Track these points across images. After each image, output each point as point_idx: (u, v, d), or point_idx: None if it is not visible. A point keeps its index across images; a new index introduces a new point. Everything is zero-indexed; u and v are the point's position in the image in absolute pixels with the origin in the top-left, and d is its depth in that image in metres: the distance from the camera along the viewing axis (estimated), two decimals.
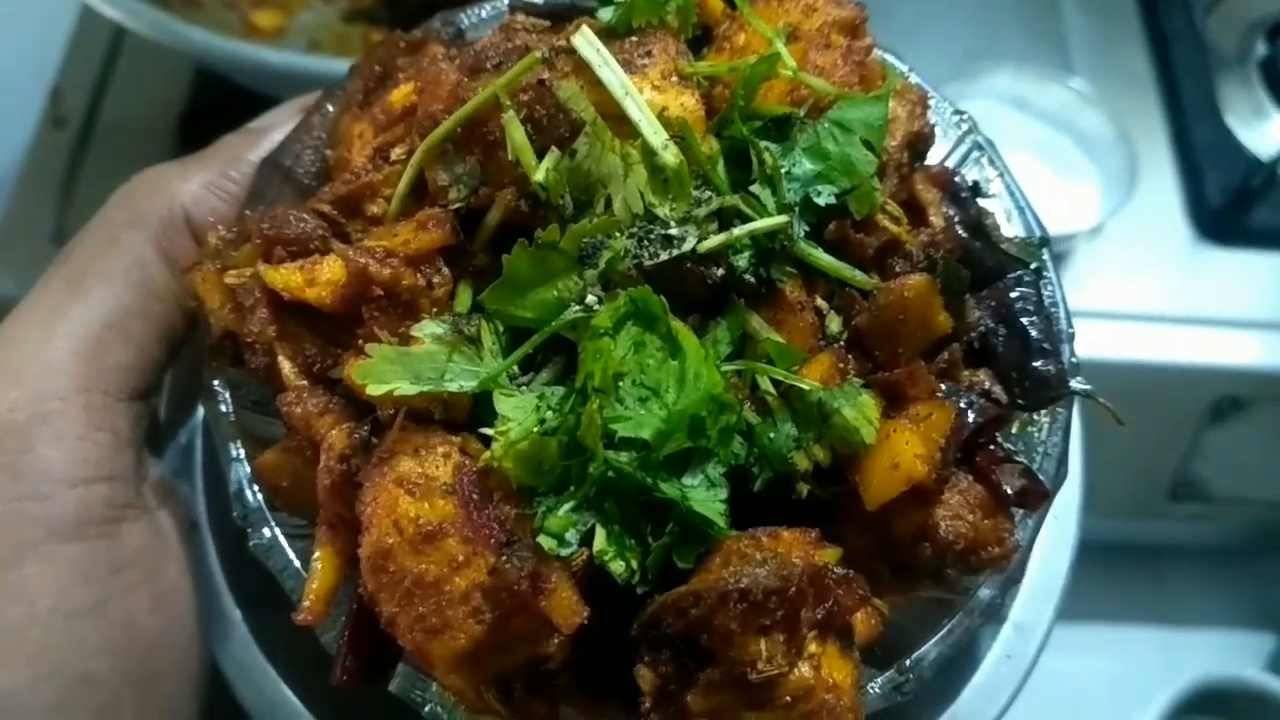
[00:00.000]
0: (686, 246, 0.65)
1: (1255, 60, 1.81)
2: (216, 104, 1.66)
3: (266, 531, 0.71)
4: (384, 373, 0.61)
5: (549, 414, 0.62)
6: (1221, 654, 1.91)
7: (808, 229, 0.69)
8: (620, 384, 0.61)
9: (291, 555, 0.71)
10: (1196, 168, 1.72)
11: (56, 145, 1.62)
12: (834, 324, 0.70)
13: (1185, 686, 1.73)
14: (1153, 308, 1.61)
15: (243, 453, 0.73)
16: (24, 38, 1.80)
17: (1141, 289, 1.62)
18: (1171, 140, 1.77)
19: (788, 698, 0.60)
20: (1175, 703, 1.72)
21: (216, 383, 0.74)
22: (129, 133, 1.63)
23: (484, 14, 0.88)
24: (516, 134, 0.66)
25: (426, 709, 0.68)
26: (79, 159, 1.61)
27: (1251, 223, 1.67)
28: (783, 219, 0.67)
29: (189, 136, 1.64)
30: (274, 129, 0.84)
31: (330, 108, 0.82)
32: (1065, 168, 1.70)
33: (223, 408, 0.74)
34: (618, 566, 0.60)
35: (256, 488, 0.72)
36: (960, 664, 0.83)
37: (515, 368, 0.65)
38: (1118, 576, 1.89)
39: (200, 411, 0.89)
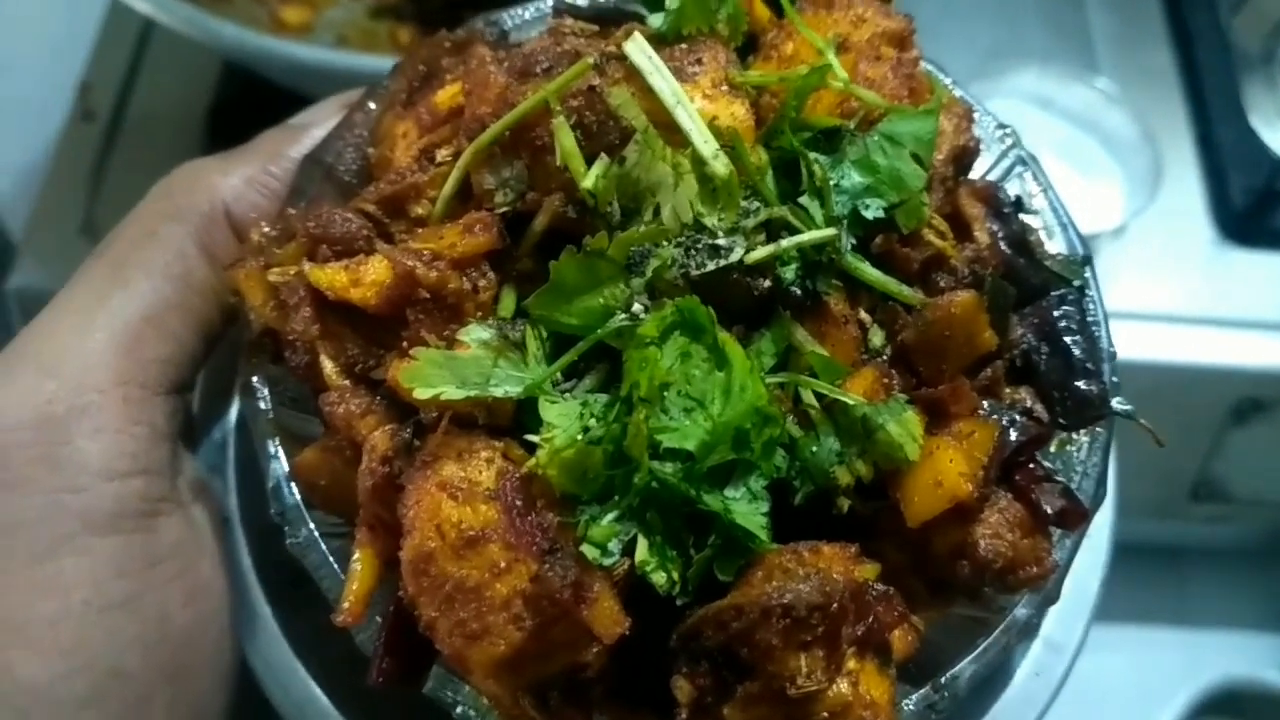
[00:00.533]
0: (734, 257, 0.65)
1: None
2: (244, 98, 1.67)
3: (304, 529, 0.71)
4: (430, 376, 0.61)
5: (593, 422, 0.62)
6: (1241, 655, 1.88)
7: (854, 242, 0.69)
8: (665, 394, 0.61)
9: (328, 554, 0.71)
10: (1221, 168, 1.71)
11: (86, 138, 1.62)
12: (877, 338, 0.70)
13: (1205, 687, 1.72)
14: (1175, 308, 1.60)
15: (281, 450, 0.73)
16: (53, 32, 1.80)
17: (1164, 289, 1.61)
18: (1196, 141, 1.76)
19: (825, 713, 0.60)
20: (1194, 704, 1.71)
21: (255, 379, 0.74)
22: (157, 126, 1.64)
23: (527, 15, 0.88)
24: (566, 139, 0.66)
25: (458, 710, 0.68)
26: (108, 152, 1.61)
27: (1275, 224, 1.66)
28: (831, 232, 0.67)
29: (217, 130, 1.64)
30: (315, 125, 0.84)
31: (373, 106, 0.82)
32: (1089, 167, 1.69)
33: (261, 404, 0.73)
34: (659, 577, 0.60)
35: (294, 485, 0.72)
36: (991, 681, 0.82)
37: (558, 374, 0.65)
38: (1138, 577, 1.87)
39: (234, 408, 0.88)
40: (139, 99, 1.66)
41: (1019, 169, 0.85)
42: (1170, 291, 1.61)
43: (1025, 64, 1.73)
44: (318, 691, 0.80)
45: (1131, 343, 1.55)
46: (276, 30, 1.55)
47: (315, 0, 1.66)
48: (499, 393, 0.62)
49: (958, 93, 0.83)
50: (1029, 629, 0.71)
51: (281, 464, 0.72)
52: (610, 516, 0.60)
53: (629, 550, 0.60)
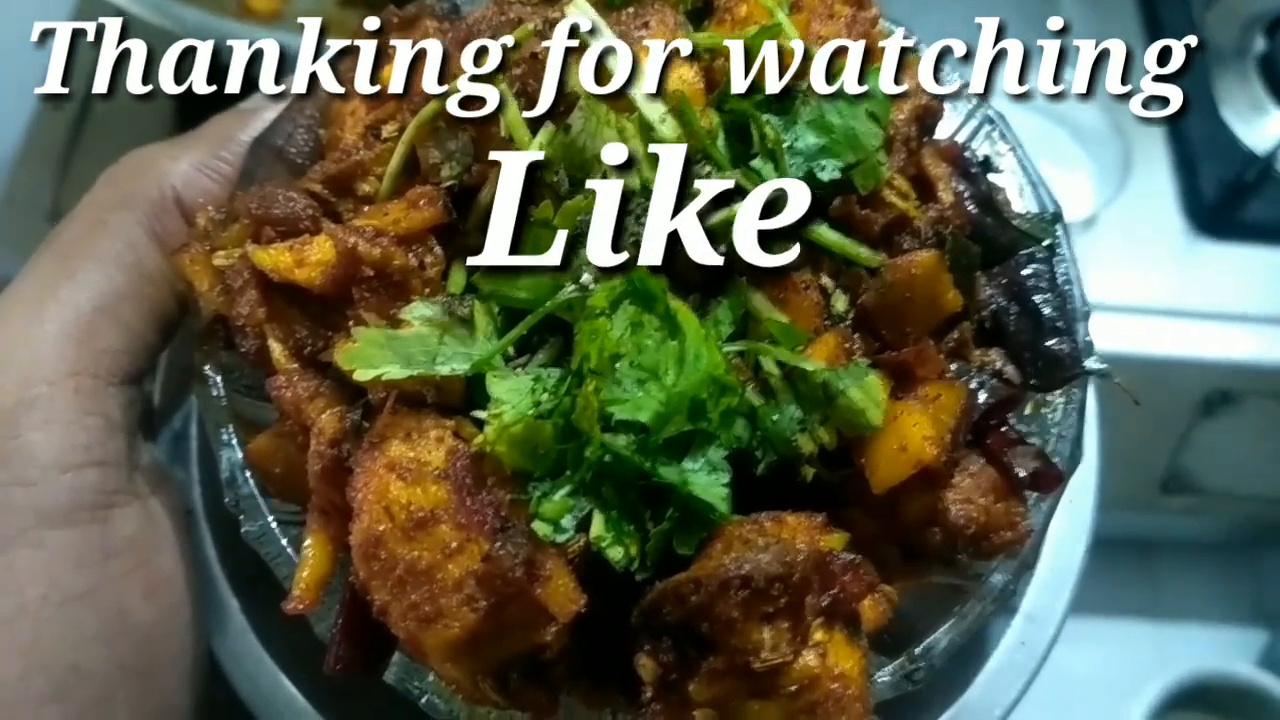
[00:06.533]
0: None
1: (1253, 55, 1.76)
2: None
3: (260, 518, 0.70)
4: (371, 356, 0.59)
5: (544, 397, 0.60)
6: (1212, 648, 1.89)
7: None
8: (617, 365, 0.59)
9: (285, 543, 0.69)
10: (1191, 161, 1.68)
11: (54, 124, 1.60)
12: (839, 303, 0.68)
13: (1175, 681, 1.72)
14: (1145, 300, 1.58)
15: (235, 438, 0.71)
16: (24, 15, 1.78)
17: (1134, 282, 1.60)
18: (1166, 133, 1.73)
19: (793, 687, 0.58)
20: (1165, 697, 1.71)
21: (208, 367, 0.72)
22: (126, 113, 1.61)
23: None
24: (509, 109, 0.64)
25: (423, 700, 0.67)
26: (76, 137, 1.60)
27: (1246, 216, 1.64)
28: None
29: (185, 115, 1.62)
30: (266, 108, 0.82)
31: None
32: (1058, 159, 1.67)
33: (214, 392, 0.72)
34: (616, 553, 0.58)
35: (249, 473, 0.70)
36: (972, 652, 0.81)
37: (511, 350, 0.63)
38: (1109, 569, 1.86)
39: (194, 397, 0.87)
40: None
41: (987, 128, 0.83)
42: (1140, 284, 1.59)
43: None
44: (286, 683, 0.79)
45: (1100, 335, 1.55)
46: (244, 17, 1.53)
47: None
48: (445, 371, 0.60)
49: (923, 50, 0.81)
50: (1005, 596, 0.70)
51: (235, 453, 0.71)
52: (563, 492, 0.58)
53: (584, 526, 0.58)
